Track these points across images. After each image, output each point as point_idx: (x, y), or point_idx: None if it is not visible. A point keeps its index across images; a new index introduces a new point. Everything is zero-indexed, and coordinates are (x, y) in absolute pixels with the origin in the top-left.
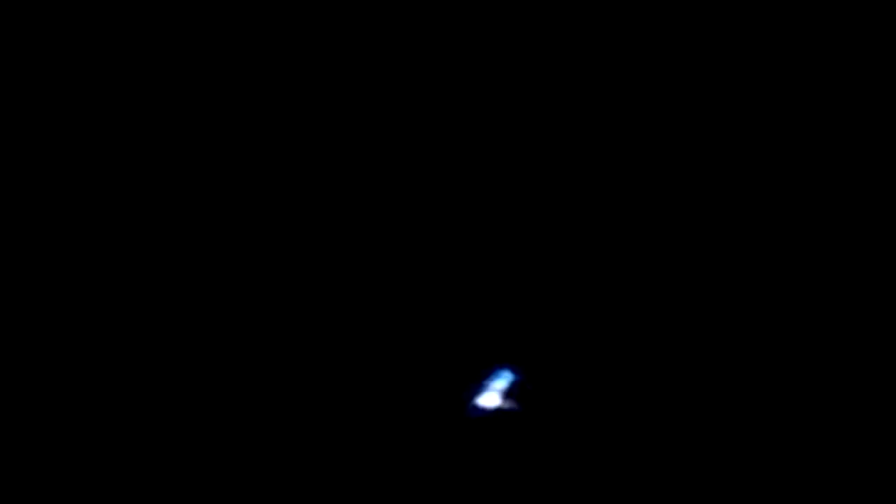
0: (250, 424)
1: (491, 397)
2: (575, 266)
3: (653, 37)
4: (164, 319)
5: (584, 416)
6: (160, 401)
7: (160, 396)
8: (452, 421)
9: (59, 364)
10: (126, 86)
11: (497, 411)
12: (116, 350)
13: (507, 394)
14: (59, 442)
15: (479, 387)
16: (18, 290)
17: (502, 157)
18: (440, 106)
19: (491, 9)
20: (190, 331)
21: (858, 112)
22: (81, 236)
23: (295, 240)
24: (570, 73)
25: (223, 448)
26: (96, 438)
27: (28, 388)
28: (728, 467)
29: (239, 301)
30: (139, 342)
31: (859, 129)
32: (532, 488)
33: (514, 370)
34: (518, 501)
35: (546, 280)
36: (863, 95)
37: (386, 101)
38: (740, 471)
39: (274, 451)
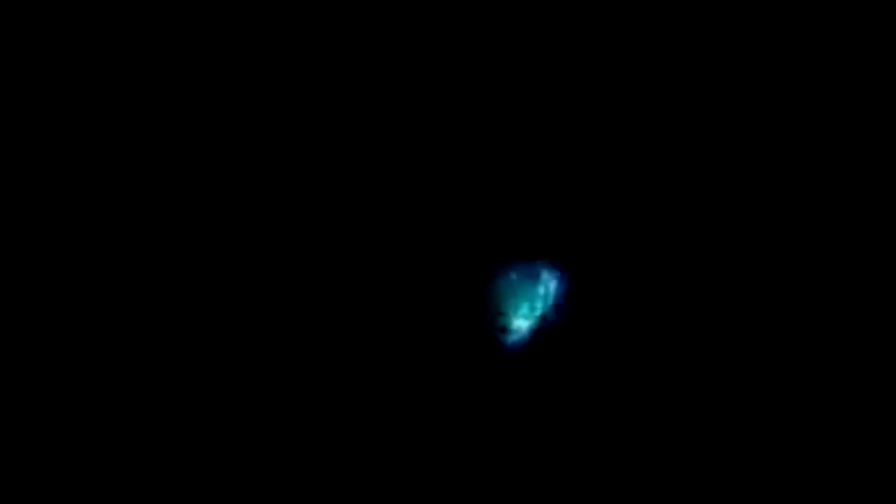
0: (254, 425)
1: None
2: (578, 266)
3: (653, 37)
4: (164, 319)
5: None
6: (160, 401)
7: (160, 396)
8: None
9: (59, 364)
10: (126, 86)
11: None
12: (116, 350)
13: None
14: (59, 442)
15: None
16: (18, 290)
17: (502, 156)
18: (440, 106)
19: (491, 9)
20: (190, 331)
21: (858, 112)
22: (81, 236)
23: (295, 240)
24: (570, 74)
25: (223, 448)
26: (96, 438)
27: (28, 389)
28: (728, 467)
29: (239, 301)
30: (139, 342)
31: (859, 130)
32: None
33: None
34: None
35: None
36: (863, 95)
37: (386, 101)
38: (740, 471)
39: (277, 445)
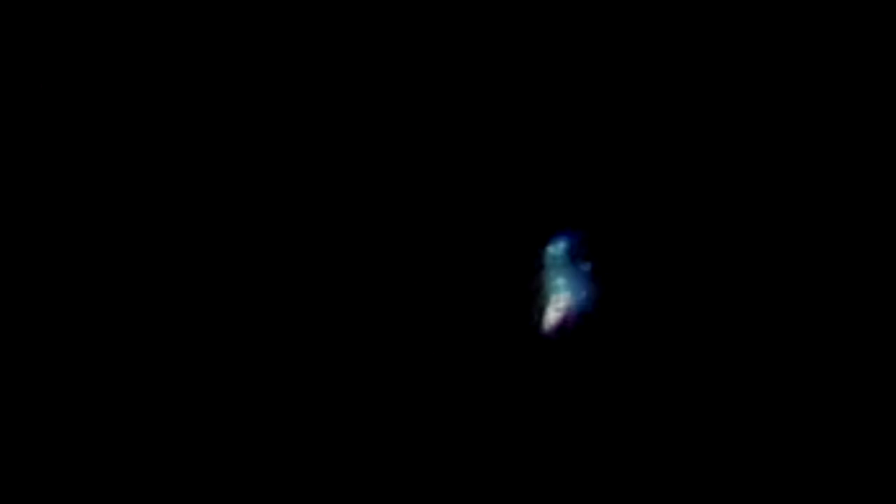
0: (258, 424)
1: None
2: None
3: (653, 37)
4: (164, 319)
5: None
6: (160, 401)
7: (160, 396)
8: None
9: (59, 364)
10: (126, 86)
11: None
12: (116, 350)
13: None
14: (59, 442)
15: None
16: (18, 290)
17: (502, 156)
18: (441, 106)
19: (491, 9)
20: (190, 331)
21: (858, 112)
22: (81, 236)
23: (295, 240)
24: (570, 74)
25: (223, 448)
26: (96, 438)
27: (28, 389)
28: (729, 467)
29: (239, 301)
30: (139, 342)
31: (859, 130)
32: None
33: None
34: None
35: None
36: (863, 95)
37: (386, 101)
38: (741, 471)
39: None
